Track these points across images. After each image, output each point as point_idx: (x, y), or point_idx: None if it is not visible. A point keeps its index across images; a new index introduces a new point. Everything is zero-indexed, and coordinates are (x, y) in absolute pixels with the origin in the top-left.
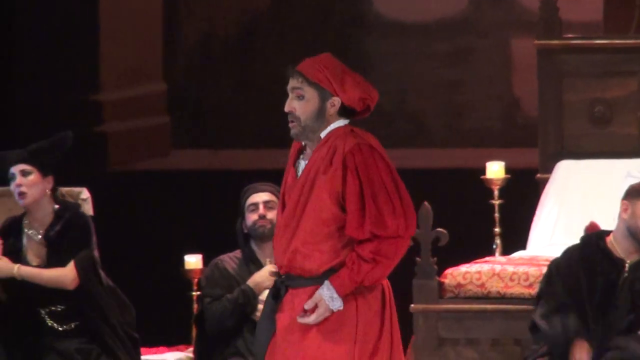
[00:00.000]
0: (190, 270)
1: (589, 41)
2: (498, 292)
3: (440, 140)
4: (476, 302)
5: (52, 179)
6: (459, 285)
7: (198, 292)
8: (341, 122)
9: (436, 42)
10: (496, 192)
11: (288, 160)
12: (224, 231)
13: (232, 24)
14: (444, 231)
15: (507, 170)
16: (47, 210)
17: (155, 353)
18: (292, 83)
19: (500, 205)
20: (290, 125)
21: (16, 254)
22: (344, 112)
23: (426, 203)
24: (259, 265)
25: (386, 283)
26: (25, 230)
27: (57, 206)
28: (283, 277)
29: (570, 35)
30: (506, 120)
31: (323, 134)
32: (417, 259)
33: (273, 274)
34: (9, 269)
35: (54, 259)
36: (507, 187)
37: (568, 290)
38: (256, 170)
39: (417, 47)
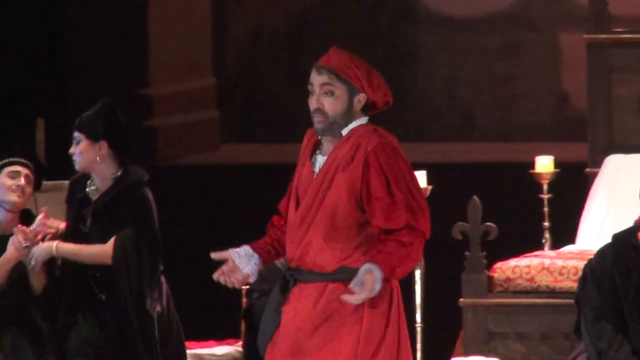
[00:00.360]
0: None
1: (638, 35)
2: (547, 286)
3: (489, 134)
4: (525, 296)
5: (106, 145)
6: (508, 279)
7: (247, 286)
8: (362, 120)
9: (486, 36)
10: (545, 186)
11: (301, 153)
12: None
13: (282, 17)
14: (493, 225)
15: (557, 164)
16: (105, 175)
17: (205, 347)
18: (321, 79)
19: (549, 200)
20: (317, 120)
21: (78, 216)
22: (366, 109)
23: (475, 197)
24: None
25: (395, 285)
26: (87, 190)
27: (118, 173)
28: (293, 270)
29: (619, 30)
30: (555, 115)
31: (345, 131)
32: (466, 253)
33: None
34: (48, 250)
35: (95, 230)
36: (557, 181)
37: (603, 294)
38: None
39: (466, 41)
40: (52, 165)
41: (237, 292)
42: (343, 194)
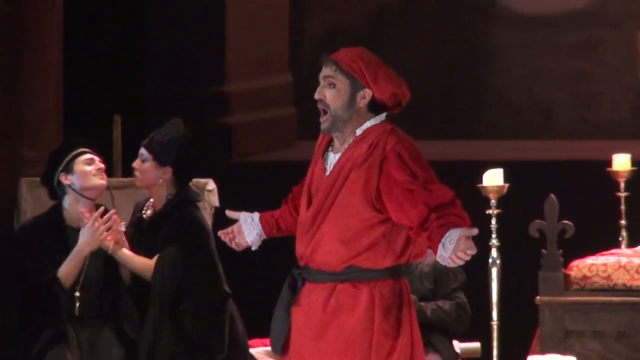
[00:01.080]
0: None
1: None
2: (624, 285)
3: (567, 132)
4: (602, 294)
5: (171, 171)
6: (584, 277)
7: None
8: (378, 119)
9: (564, 34)
10: (622, 184)
11: (315, 152)
12: None
13: (360, 15)
14: (570, 223)
15: (634, 162)
16: (160, 197)
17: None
18: (325, 71)
19: (626, 198)
20: (322, 119)
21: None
22: (373, 107)
23: (552, 195)
24: None
25: (405, 285)
26: (145, 207)
27: (169, 195)
28: (301, 269)
29: None
30: (634, 112)
31: (359, 131)
32: (543, 251)
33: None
34: (107, 245)
35: (141, 248)
36: (634, 179)
37: None
38: None
39: (544, 39)
40: (128, 162)
41: None
42: (357, 192)
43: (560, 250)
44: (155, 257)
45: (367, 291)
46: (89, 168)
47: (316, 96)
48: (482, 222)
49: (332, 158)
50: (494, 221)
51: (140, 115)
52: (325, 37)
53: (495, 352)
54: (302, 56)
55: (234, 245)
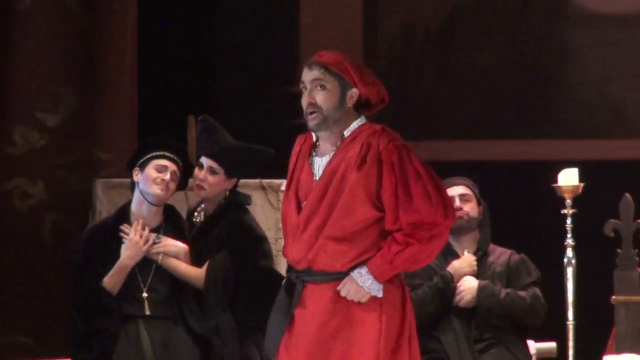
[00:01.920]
0: None
1: None
2: None
3: None
4: None
5: (236, 181)
6: None
7: None
8: (361, 120)
9: (637, 33)
10: None
11: (294, 159)
12: None
13: (433, 14)
14: None
15: None
16: (216, 203)
17: None
18: (312, 75)
19: None
20: (311, 117)
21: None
22: (358, 106)
23: (627, 195)
24: (456, 257)
25: (401, 278)
26: (196, 212)
27: (222, 201)
28: (299, 272)
29: None
30: None
31: (347, 132)
32: (618, 250)
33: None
34: (156, 256)
35: (192, 252)
36: None
37: None
38: (458, 162)
39: (617, 38)
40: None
41: None
42: (360, 195)
43: (636, 250)
44: (205, 265)
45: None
46: (154, 175)
47: (306, 101)
48: (557, 222)
49: (320, 162)
50: (569, 221)
51: (214, 116)
52: (399, 36)
53: (571, 352)
54: (376, 56)
55: None
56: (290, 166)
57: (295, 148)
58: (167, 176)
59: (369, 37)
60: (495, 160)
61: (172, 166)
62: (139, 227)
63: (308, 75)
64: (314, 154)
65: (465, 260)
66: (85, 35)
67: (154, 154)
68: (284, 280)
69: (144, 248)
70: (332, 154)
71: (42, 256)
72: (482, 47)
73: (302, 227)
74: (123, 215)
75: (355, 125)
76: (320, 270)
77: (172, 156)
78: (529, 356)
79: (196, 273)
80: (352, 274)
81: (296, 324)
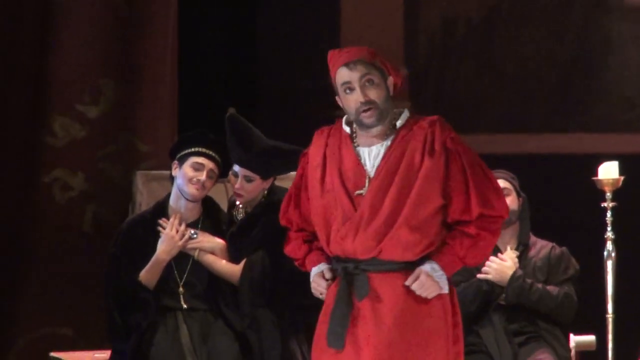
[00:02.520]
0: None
1: None
2: None
3: None
4: None
5: (273, 179)
6: None
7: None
8: (404, 111)
9: None
10: None
11: (318, 151)
12: None
13: (475, 6)
14: None
15: None
16: (255, 200)
17: None
18: (357, 73)
19: None
20: (367, 114)
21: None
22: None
23: None
24: (496, 250)
25: None
26: (236, 207)
27: (262, 199)
28: (359, 262)
29: None
30: None
31: (400, 122)
32: None
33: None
34: (193, 251)
35: (231, 250)
36: None
37: None
38: (498, 155)
39: None
40: None
41: None
42: (433, 182)
43: None
44: (242, 262)
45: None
46: (191, 174)
47: (360, 99)
48: (597, 215)
49: (368, 152)
50: (609, 214)
51: (253, 107)
52: (440, 30)
53: (610, 345)
54: (417, 49)
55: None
56: (317, 160)
57: (319, 141)
58: (203, 176)
59: (409, 30)
60: (535, 154)
61: (209, 164)
62: (176, 222)
63: (352, 74)
64: (355, 144)
65: (509, 259)
66: (126, 26)
67: (193, 150)
68: (337, 271)
69: (180, 243)
70: (386, 144)
71: (82, 248)
72: (523, 39)
73: (368, 218)
74: (161, 208)
75: (405, 115)
76: (389, 260)
77: (211, 153)
78: (569, 350)
79: (232, 270)
80: (424, 268)
81: (365, 315)
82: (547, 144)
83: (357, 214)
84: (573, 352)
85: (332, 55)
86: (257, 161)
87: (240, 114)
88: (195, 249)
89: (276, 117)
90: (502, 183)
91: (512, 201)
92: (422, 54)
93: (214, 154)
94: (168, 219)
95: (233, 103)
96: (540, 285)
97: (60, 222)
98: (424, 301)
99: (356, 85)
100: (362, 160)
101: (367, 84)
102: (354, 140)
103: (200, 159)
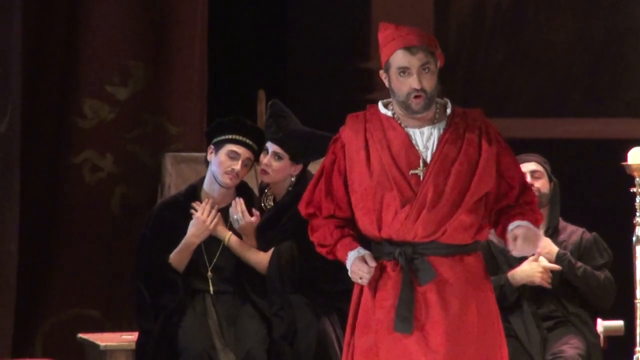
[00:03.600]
0: None
1: None
2: None
3: None
4: None
5: (301, 167)
6: None
7: None
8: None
9: None
10: None
11: (359, 135)
12: None
13: None
14: None
15: None
16: (283, 188)
17: None
18: (419, 60)
19: None
20: (417, 100)
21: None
22: None
23: None
24: None
25: None
26: (264, 195)
27: (290, 188)
28: (417, 245)
29: None
30: None
31: (449, 108)
32: None
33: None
34: (223, 235)
35: (260, 241)
36: None
37: None
38: (528, 140)
39: None
40: None
41: None
42: (492, 167)
43: None
44: (270, 251)
45: (480, 263)
46: (227, 162)
47: (415, 86)
48: (626, 200)
49: (423, 132)
50: (638, 199)
51: (284, 90)
52: (470, 14)
53: (638, 330)
54: (447, 33)
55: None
56: (358, 143)
57: (356, 125)
58: (238, 165)
59: (440, 15)
60: (563, 138)
61: (245, 153)
62: (208, 207)
63: (412, 60)
64: (403, 125)
65: (529, 271)
66: (156, 8)
67: (230, 137)
68: (393, 255)
69: (211, 227)
70: (439, 129)
71: (111, 229)
72: (553, 25)
73: (432, 201)
74: (194, 192)
75: (450, 104)
76: (448, 243)
77: (247, 141)
78: (597, 335)
79: (260, 257)
80: (522, 224)
81: (430, 299)
82: (576, 129)
83: (419, 196)
84: (601, 337)
85: (388, 31)
86: (289, 139)
87: (270, 97)
88: (226, 233)
89: (305, 101)
90: (534, 166)
91: (543, 185)
92: (453, 39)
93: (250, 142)
94: (201, 202)
95: (262, 86)
96: (585, 266)
97: (89, 203)
98: (481, 283)
99: (414, 72)
100: (413, 141)
101: (424, 71)
102: (400, 121)
103: (237, 147)
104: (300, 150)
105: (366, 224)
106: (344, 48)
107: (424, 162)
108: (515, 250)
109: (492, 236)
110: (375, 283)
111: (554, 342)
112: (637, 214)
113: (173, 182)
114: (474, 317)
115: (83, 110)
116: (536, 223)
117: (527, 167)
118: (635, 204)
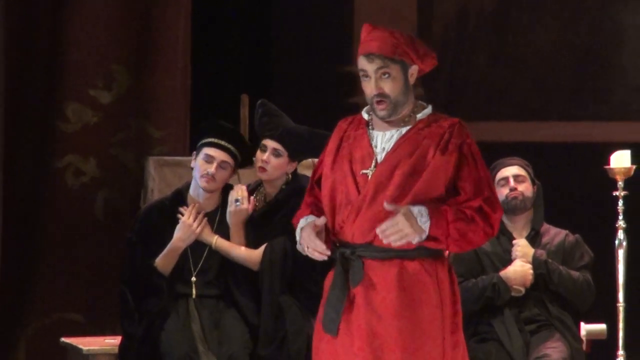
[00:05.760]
0: None
1: None
2: None
3: None
4: None
5: (296, 164)
6: None
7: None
8: (430, 108)
9: None
10: None
11: (334, 137)
12: None
13: None
14: None
15: None
16: (277, 186)
17: None
18: (374, 65)
19: None
20: (380, 106)
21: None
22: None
23: None
24: (509, 237)
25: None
26: (255, 193)
27: (283, 186)
28: (356, 247)
29: None
30: None
31: (420, 115)
32: None
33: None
34: (210, 239)
35: (252, 238)
36: None
37: None
38: (511, 143)
39: None
40: (255, 141)
41: None
42: (440, 176)
43: None
44: (262, 247)
45: (432, 271)
46: (203, 166)
47: (374, 92)
48: (609, 203)
49: (380, 136)
50: (620, 203)
51: (268, 95)
52: (454, 19)
53: (621, 334)
54: (431, 38)
55: (317, 255)
56: (332, 146)
57: (339, 129)
58: (213, 168)
59: (423, 18)
60: (547, 142)
61: (220, 155)
62: (194, 211)
63: (369, 66)
64: (370, 127)
65: (521, 271)
66: (139, 12)
67: (205, 141)
68: (335, 256)
69: (197, 231)
70: (400, 132)
71: (94, 233)
72: (537, 29)
73: (369, 201)
74: (180, 196)
75: (427, 111)
76: (385, 247)
77: (222, 143)
78: (580, 339)
79: (250, 253)
80: (412, 208)
81: (358, 303)
82: (560, 133)
83: (359, 196)
84: (584, 341)
85: (362, 34)
86: (289, 137)
87: (253, 101)
88: (212, 238)
89: (289, 105)
90: (516, 170)
91: (526, 188)
92: (436, 43)
93: (225, 144)
94: (187, 206)
95: (245, 90)
96: (561, 267)
97: (72, 207)
98: (420, 290)
99: (372, 77)
100: (374, 143)
101: (382, 76)
102: (370, 125)
103: (211, 150)
104: (300, 147)
105: (329, 224)
106: (328, 52)
107: (376, 163)
108: (385, 233)
109: None
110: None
111: (537, 346)
112: (620, 217)
113: (156, 186)
114: (404, 322)
115: (66, 114)
116: (439, 223)
117: (510, 170)
118: (618, 207)
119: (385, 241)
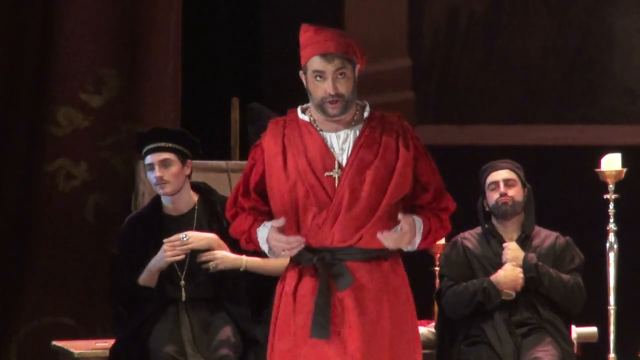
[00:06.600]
0: (434, 246)
1: None
2: None
3: None
4: None
5: None
6: None
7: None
8: (367, 104)
9: None
10: None
11: (276, 141)
12: (469, 207)
13: None
14: None
15: None
16: None
17: None
18: (334, 66)
19: None
20: (334, 105)
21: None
22: None
23: None
24: (500, 240)
25: None
26: None
27: None
28: (335, 251)
29: None
30: None
31: (366, 113)
32: None
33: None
34: (238, 262)
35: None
36: None
37: None
38: (501, 146)
39: None
40: (246, 145)
41: (431, 272)
42: (409, 173)
43: None
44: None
45: (399, 268)
46: (149, 176)
47: (329, 91)
48: (599, 207)
49: (339, 136)
50: (611, 206)
51: (258, 98)
52: (444, 21)
53: (612, 337)
54: (421, 40)
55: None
56: (276, 149)
57: (275, 131)
58: (157, 172)
59: (414, 21)
60: (538, 145)
61: (155, 157)
62: (176, 242)
63: (329, 66)
64: (318, 129)
65: (511, 275)
66: (130, 16)
67: (146, 148)
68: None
69: (170, 260)
70: (354, 132)
71: (85, 237)
72: (527, 31)
73: (348, 205)
74: (156, 204)
75: (368, 108)
76: (366, 248)
77: (151, 146)
78: (571, 342)
79: (283, 262)
80: (415, 221)
81: (347, 305)
82: (550, 136)
83: (335, 201)
84: (575, 344)
85: (307, 34)
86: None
87: (244, 104)
88: (209, 260)
89: (280, 109)
90: (507, 174)
91: (517, 192)
92: (426, 46)
93: (154, 145)
94: (163, 214)
95: (236, 94)
96: (553, 272)
97: (63, 211)
98: (400, 287)
99: (329, 77)
100: (329, 144)
101: (339, 77)
102: (316, 126)
103: (147, 159)
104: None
105: (286, 229)
106: None
107: (339, 164)
108: (387, 240)
109: (468, 242)
110: (294, 288)
111: (529, 349)
112: (611, 220)
113: (147, 190)
114: (388, 322)
115: (57, 118)
116: (441, 230)
117: (500, 175)
118: (609, 210)
119: (385, 244)
